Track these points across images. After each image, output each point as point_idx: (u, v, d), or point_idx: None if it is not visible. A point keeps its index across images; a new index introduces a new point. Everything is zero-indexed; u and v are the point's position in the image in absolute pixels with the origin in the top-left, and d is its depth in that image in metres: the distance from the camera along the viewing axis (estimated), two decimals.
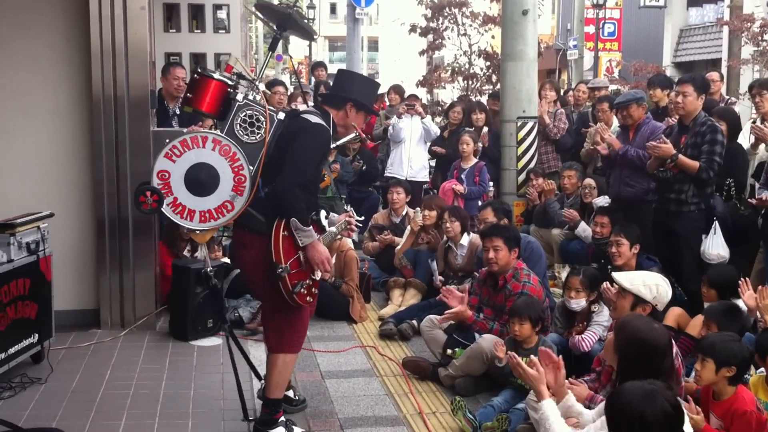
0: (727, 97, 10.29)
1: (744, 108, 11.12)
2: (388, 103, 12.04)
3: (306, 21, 4.97)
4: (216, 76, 4.56)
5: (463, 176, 9.47)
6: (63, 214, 6.30)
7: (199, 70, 4.66)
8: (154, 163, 4.53)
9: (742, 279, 5.48)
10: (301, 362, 6.13)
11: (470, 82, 15.97)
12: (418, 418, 5.17)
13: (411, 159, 10.28)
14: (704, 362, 4.15)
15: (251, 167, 4.48)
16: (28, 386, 5.36)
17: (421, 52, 17.51)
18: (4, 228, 5.36)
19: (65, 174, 6.56)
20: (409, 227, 8.16)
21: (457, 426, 4.99)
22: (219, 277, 6.65)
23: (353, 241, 9.35)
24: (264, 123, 4.48)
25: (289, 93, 10.74)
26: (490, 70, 15.56)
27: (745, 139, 7.55)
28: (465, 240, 7.46)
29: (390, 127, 10.39)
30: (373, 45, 50.17)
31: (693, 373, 4.48)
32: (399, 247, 8.14)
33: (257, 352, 6.22)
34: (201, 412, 5.05)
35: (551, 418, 3.82)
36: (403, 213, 8.79)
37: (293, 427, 4.71)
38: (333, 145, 4.71)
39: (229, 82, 4.57)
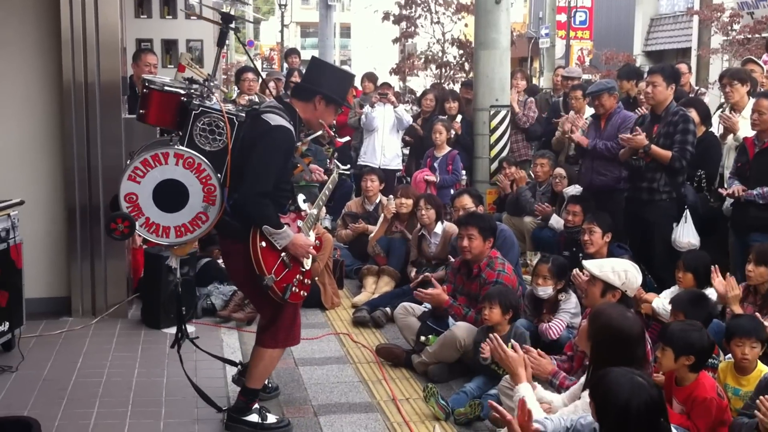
0: (697, 87, 10.40)
1: (713, 97, 11.23)
2: (362, 91, 12.04)
3: (244, 12, 4.79)
4: (165, 88, 4.37)
5: (436, 165, 9.49)
6: (33, 201, 6.24)
7: (147, 84, 4.40)
8: (120, 187, 4.37)
9: (714, 266, 5.56)
10: None
11: (443, 71, 15.99)
12: (391, 405, 5.20)
13: (384, 147, 10.28)
14: (664, 350, 4.21)
15: (219, 175, 4.36)
16: None
17: (394, 40, 17.51)
18: None
19: (36, 161, 6.50)
20: (382, 215, 8.18)
21: (431, 412, 5.03)
22: (190, 265, 6.64)
23: (326, 228, 9.37)
24: (224, 128, 4.32)
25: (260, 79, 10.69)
26: (463, 59, 15.60)
27: (714, 129, 7.63)
28: (439, 228, 7.49)
29: (363, 116, 10.39)
30: (346, 31, 50.04)
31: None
32: (372, 234, 8.16)
33: (230, 339, 6.23)
34: (174, 400, 5.04)
35: (528, 402, 3.85)
36: (377, 201, 8.80)
37: (267, 414, 4.71)
38: (299, 143, 4.60)
39: (181, 92, 4.37)
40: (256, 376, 4.68)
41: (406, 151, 11.23)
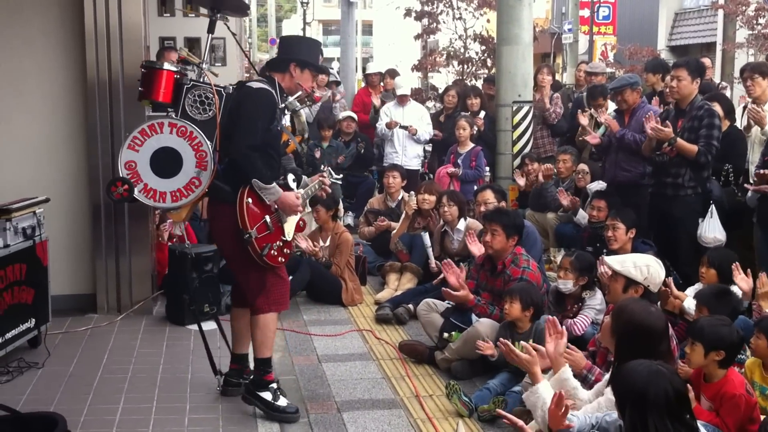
0: (718, 82, 10.31)
1: (738, 92, 11.14)
2: (384, 87, 12.05)
3: None
4: (164, 66, 4.76)
5: (459, 161, 9.49)
6: (59, 198, 6.30)
7: (145, 64, 4.88)
8: (120, 155, 4.73)
9: (735, 263, 5.50)
10: (297, 346, 6.16)
11: (465, 67, 15.94)
12: (414, 401, 5.20)
13: (406, 148, 10.33)
14: (694, 345, 4.17)
15: (210, 142, 4.68)
16: (26, 371, 5.37)
17: (416, 37, 17.48)
18: (0, 213, 5.35)
19: (61, 159, 6.55)
20: (404, 212, 8.17)
21: (454, 409, 5.01)
22: (214, 262, 6.67)
23: (348, 225, 9.39)
24: (213, 99, 4.70)
25: None
26: (485, 55, 15.54)
27: (738, 123, 7.56)
28: (461, 224, 7.47)
29: (377, 131, 10.56)
30: (368, 29, 49.98)
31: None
32: (394, 231, 8.15)
33: None
34: (198, 396, 5.07)
35: (548, 401, 3.83)
36: (399, 197, 8.79)
37: (280, 396, 4.82)
38: (282, 105, 4.90)
39: (174, 69, 4.77)
40: (258, 344, 4.85)
41: (429, 148, 11.23)
